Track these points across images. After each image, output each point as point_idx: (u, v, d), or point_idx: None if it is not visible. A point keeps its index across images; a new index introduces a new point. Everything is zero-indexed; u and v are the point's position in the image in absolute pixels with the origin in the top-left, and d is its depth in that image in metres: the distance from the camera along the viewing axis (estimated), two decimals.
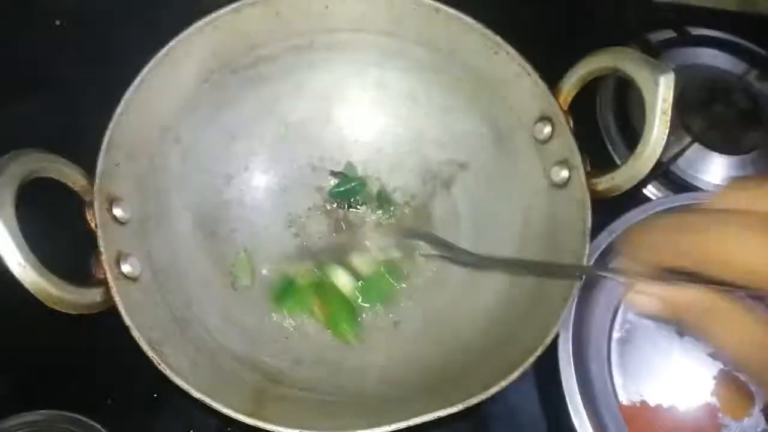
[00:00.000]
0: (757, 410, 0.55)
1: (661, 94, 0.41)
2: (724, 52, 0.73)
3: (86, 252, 0.40)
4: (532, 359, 0.40)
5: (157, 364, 0.37)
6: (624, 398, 0.57)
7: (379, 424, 0.36)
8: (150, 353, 0.37)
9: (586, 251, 0.43)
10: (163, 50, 0.46)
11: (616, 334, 0.60)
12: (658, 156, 0.42)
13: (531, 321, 0.43)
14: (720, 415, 0.55)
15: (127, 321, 0.38)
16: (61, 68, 0.64)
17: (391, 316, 0.51)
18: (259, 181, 0.55)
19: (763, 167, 0.66)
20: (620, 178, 0.44)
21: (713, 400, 0.56)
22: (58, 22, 0.68)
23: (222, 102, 0.52)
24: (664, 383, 0.58)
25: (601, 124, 0.67)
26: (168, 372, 0.37)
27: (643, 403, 0.57)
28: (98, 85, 0.49)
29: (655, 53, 0.67)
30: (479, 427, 0.52)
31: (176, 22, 0.47)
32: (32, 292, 0.35)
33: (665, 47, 0.71)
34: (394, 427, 0.36)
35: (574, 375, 0.52)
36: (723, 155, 0.66)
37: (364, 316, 0.51)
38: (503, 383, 0.38)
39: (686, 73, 0.68)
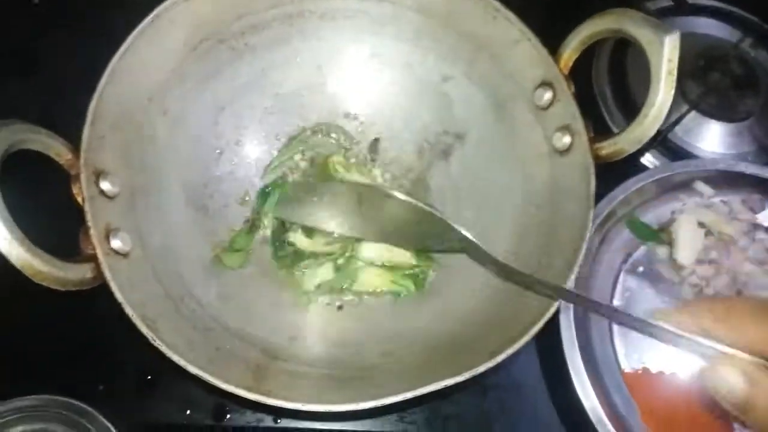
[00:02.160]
0: None
1: (666, 55, 0.40)
2: (719, 20, 0.72)
3: (75, 227, 0.38)
4: (537, 327, 0.39)
5: (152, 341, 0.36)
6: (626, 366, 0.57)
7: (385, 395, 0.35)
8: (144, 330, 0.36)
9: (591, 216, 0.42)
10: (148, 18, 0.44)
11: (616, 302, 0.60)
12: (663, 117, 0.41)
13: (532, 298, 0.42)
14: None
15: (120, 297, 0.37)
16: (41, 48, 0.62)
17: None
18: (251, 154, 0.53)
19: (759, 133, 0.66)
20: (624, 142, 0.43)
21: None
22: (36, 1, 0.66)
23: (210, 72, 0.50)
24: (665, 350, 0.57)
25: (597, 91, 0.66)
26: (164, 348, 0.36)
27: (645, 369, 0.57)
28: (81, 62, 0.48)
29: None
30: (483, 398, 0.51)
31: None
32: (19, 267, 0.33)
33: (661, 15, 0.70)
34: (401, 398, 0.35)
35: (576, 344, 0.51)
36: (720, 122, 0.66)
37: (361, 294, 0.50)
38: (509, 351, 0.38)
39: (683, 42, 0.67)
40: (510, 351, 0.37)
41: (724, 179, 0.60)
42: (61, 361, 0.49)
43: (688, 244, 0.59)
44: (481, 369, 0.37)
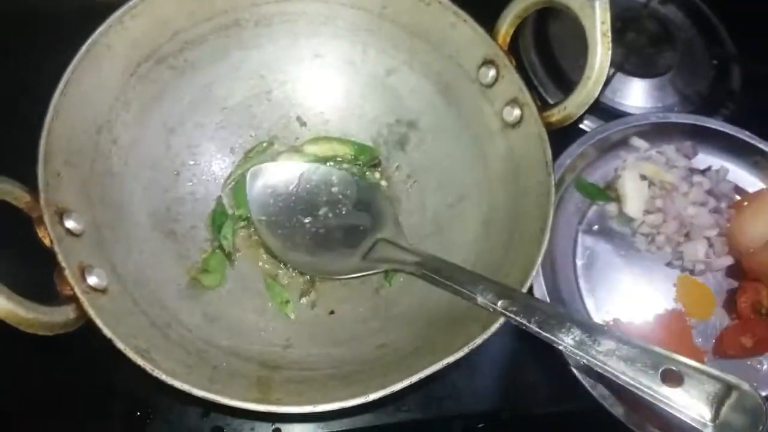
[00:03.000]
0: (719, 307, 0.59)
1: (599, 17, 0.42)
2: None
3: (47, 269, 0.37)
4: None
5: (150, 371, 0.35)
6: (598, 318, 0.60)
7: (391, 384, 0.36)
8: (140, 362, 0.35)
9: (553, 181, 0.44)
10: (83, 47, 0.43)
11: (579, 261, 0.62)
12: (604, 78, 0.43)
13: (510, 266, 0.44)
14: (687, 318, 0.59)
15: (108, 333, 0.35)
16: None
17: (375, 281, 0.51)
18: (207, 171, 0.53)
19: (681, 84, 0.70)
20: (572, 106, 0.45)
21: (678, 306, 0.59)
22: None
23: (154, 94, 0.49)
24: (631, 299, 0.61)
25: (527, 63, 0.68)
26: (164, 377, 0.35)
27: (616, 320, 0.60)
28: (25, 99, 0.46)
29: None
30: (472, 374, 0.53)
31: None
32: (2, 318, 0.31)
33: None
34: (407, 382, 0.36)
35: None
36: (643, 79, 0.70)
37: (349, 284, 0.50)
38: (502, 320, 0.39)
39: None
40: (503, 319, 0.39)
41: (657, 131, 0.64)
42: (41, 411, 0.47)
43: (634, 196, 0.62)
44: (479, 341, 0.38)
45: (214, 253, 0.49)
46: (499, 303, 0.39)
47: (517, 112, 0.48)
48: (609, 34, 0.42)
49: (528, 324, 0.37)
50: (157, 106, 0.49)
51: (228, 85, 0.53)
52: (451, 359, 0.38)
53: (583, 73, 0.44)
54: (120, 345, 0.35)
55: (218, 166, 0.53)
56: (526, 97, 0.47)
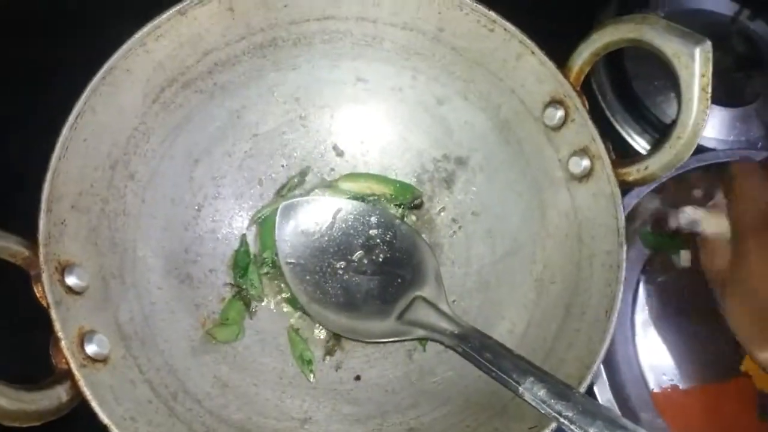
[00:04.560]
0: None
1: (698, 69, 0.35)
2: None
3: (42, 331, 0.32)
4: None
5: None
6: (654, 384, 0.54)
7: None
8: None
9: (624, 254, 0.38)
10: (99, 73, 0.38)
11: (638, 316, 0.56)
12: (698, 140, 0.37)
13: (566, 350, 0.38)
14: (755, 389, 0.53)
15: (104, 417, 0.31)
16: None
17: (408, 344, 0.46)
18: (232, 205, 0.48)
19: None
20: (656, 167, 0.38)
21: (746, 374, 0.53)
22: None
23: (178, 122, 0.44)
24: (694, 363, 0.55)
25: (597, 90, 0.61)
26: None
27: (674, 387, 0.54)
28: (27, 134, 0.41)
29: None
30: None
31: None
32: None
33: None
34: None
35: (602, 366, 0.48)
36: (726, 108, 0.62)
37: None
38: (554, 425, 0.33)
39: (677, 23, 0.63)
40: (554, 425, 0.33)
41: None
42: None
43: (713, 247, 0.55)
44: None
45: (233, 302, 0.45)
46: (553, 404, 0.33)
47: (586, 163, 0.41)
48: (709, 89, 0.35)
49: None
50: (181, 135, 0.44)
51: (260, 109, 0.48)
52: None
53: (673, 130, 0.37)
54: None
55: (245, 199, 0.48)
56: (599, 148, 0.40)
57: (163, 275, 0.42)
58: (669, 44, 0.36)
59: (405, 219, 0.49)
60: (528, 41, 0.42)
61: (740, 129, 0.62)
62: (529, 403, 0.34)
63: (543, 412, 0.34)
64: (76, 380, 0.32)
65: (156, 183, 0.43)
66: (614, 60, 0.62)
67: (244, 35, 0.44)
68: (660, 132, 0.56)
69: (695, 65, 0.35)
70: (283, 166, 0.49)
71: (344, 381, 0.44)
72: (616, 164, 0.40)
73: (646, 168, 0.38)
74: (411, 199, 0.49)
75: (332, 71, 0.48)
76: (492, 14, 0.42)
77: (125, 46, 0.39)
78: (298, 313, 0.46)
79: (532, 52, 0.42)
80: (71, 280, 0.35)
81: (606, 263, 0.39)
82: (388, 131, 0.50)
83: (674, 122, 0.37)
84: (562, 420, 0.33)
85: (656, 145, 0.38)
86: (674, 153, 0.37)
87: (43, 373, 0.32)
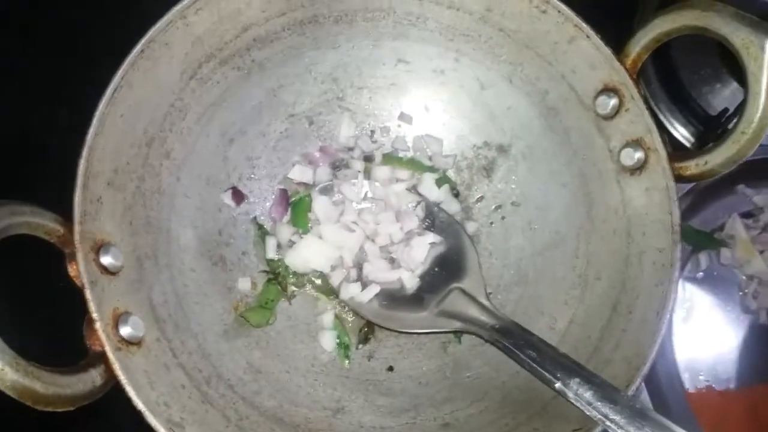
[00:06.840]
0: None
1: None
2: None
3: (73, 317, 0.32)
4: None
5: None
6: (690, 385, 0.53)
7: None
8: None
9: (678, 252, 0.36)
10: (137, 47, 0.37)
11: (676, 314, 0.55)
12: (764, 135, 0.34)
13: (612, 351, 0.37)
14: None
15: (138, 403, 0.31)
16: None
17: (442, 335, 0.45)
18: (267, 186, 0.46)
19: None
20: (716, 162, 0.36)
21: None
22: None
23: (214, 99, 0.43)
24: (730, 364, 0.54)
25: (646, 90, 0.58)
26: None
27: (710, 388, 0.53)
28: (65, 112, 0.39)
29: None
30: None
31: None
32: (17, 397, 0.27)
33: None
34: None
35: None
36: None
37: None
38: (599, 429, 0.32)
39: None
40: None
41: None
42: None
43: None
44: None
45: (270, 285, 0.43)
46: (600, 406, 0.32)
47: (639, 155, 0.39)
48: None
49: None
50: (217, 113, 0.43)
51: (297, 89, 0.46)
52: None
53: (737, 125, 0.35)
54: (151, 421, 0.30)
55: (278, 180, 0.47)
56: (655, 140, 0.38)
57: (196, 257, 0.41)
58: (738, 33, 0.34)
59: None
60: (583, 24, 0.40)
61: None
62: (574, 404, 0.33)
63: (588, 414, 0.32)
64: (111, 364, 0.31)
65: (191, 162, 0.42)
66: (660, 48, 0.59)
67: (284, 11, 0.43)
68: (704, 124, 0.53)
69: (765, 56, 0.33)
70: (319, 147, 0.48)
71: (377, 371, 0.43)
72: (672, 157, 0.38)
73: (705, 163, 0.36)
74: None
75: (372, 51, 0.46)
76: None
77: (165, 18, 0.38)
78: (336, 299, 0.44)
79: (587, 36, 0.40)
80: (106, 260, 0.34)
81: (658, 261, 0.37)
82: (427, 115, 0.48)
83: (731, 115, 0.35)
84: (608, 423, 0.32)
85: (718, 140, 0.36)
86: (737, 149, 0.35)
87: (69, 356, 0.31)
